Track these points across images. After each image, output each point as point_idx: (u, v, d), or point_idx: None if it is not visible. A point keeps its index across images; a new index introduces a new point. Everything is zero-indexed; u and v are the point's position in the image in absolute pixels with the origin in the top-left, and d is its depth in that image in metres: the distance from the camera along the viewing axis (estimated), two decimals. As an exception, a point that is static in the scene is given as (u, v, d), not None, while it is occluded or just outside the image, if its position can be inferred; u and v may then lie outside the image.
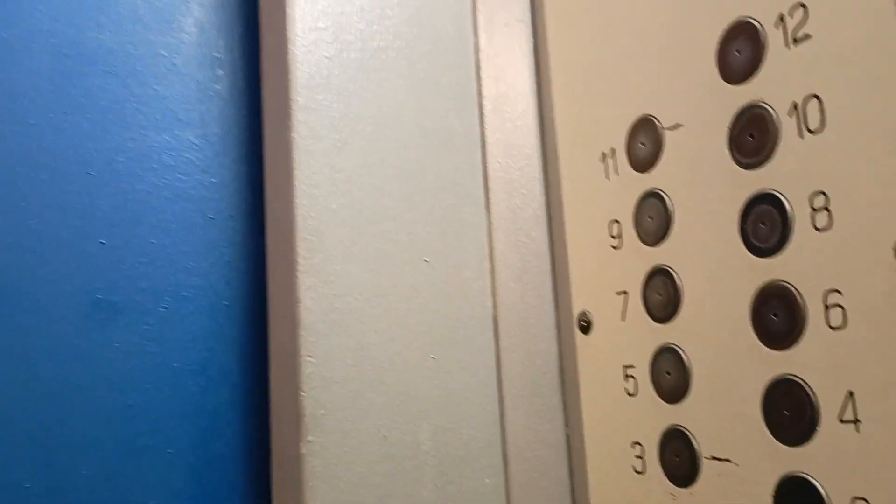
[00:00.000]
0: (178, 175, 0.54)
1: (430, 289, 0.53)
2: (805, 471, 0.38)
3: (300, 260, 0.48)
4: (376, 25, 0.54)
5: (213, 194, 0.55)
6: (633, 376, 0.49)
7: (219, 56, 0.57)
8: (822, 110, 0.37)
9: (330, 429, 0.47)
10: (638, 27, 0.49)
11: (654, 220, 0.47)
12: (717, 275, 0.43)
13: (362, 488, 0.48)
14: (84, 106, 0.51)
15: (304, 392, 0.47)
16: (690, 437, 0.44)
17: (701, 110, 0.44)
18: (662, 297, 0.46)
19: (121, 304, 0.50)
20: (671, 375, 0.46)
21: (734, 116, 0.42)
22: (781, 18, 0.39)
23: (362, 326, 0.50)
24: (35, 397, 0.46)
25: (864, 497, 0.35)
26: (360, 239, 0.50)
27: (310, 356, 0.48)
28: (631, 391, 0.49)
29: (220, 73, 0.57)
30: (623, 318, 0.49)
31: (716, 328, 0.43)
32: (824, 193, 0.37)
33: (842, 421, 0.36)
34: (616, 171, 0.50)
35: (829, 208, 0.37)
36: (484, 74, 0.58)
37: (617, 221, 0.50)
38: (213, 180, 0.55)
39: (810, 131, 0.38)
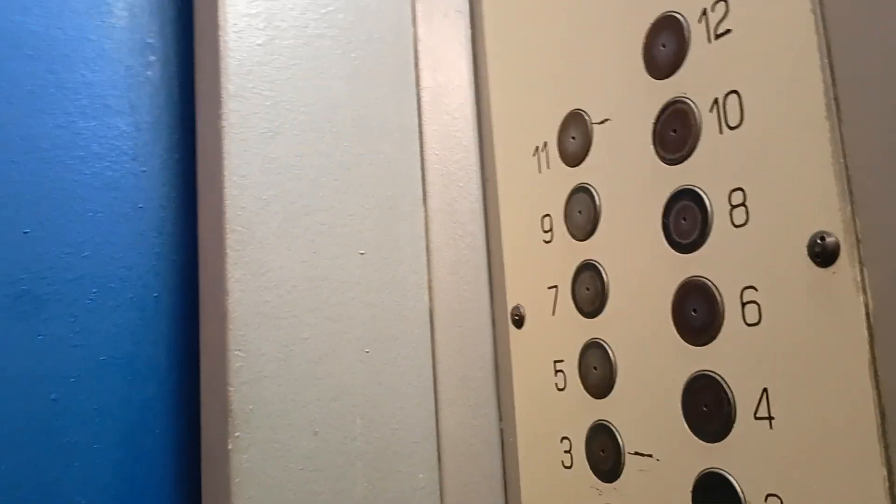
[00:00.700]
0: (107, 163, 0.53)
1: (364, 282, 0.52)
2: (722, 467, 0.38)
3: (230, 251, 0.47)
4: (311, 13, 0.53)
5: (143, 183, 0.54)
6: (562, 371, 0.48)
7: (150, 41, 0.56)
8: (741, 106, 0.37)
9: (259, 424, 0.46)
10: (569, 20, 0.49)
11: (583, 214, 0.47)
12: (641, 270, 0.43)
13: (292, 484, 0.47)
14: (7, 91, 0.50)
15: (232, 387, 0.46)
16: (615, 432, 0.44)
17: (627, 105, 0.44)
18: (590, 291, 0.46)
19: (45, 295, 0.49)
20: (598, 370, 0.46)
21: (658, 111, 0.42)
22: (704, 13, 0.39)
23: (294, 320, 0.49)
24: (-51, 391, 0.45)
25: (777, 493, 0.35)
26: (292, 230, 0.50)
27: (239, 350, 0.47)
28: (560, 386, 0.49)
29: (152, 58, 0.56)
30: (553, 312, 0.49)
31: (639, 323, 0.43)
32: (742, 190, 0.37)
33: (756, 417, 0.36)
34: (548, 165, 0.50)
35: (747, 205, 0.37)
36: (422, 65, 0.57)
37: (549, 215, 0.50)
38: (143, 169, 0.54)
39: (730, 127, 0.38)
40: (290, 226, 0.50)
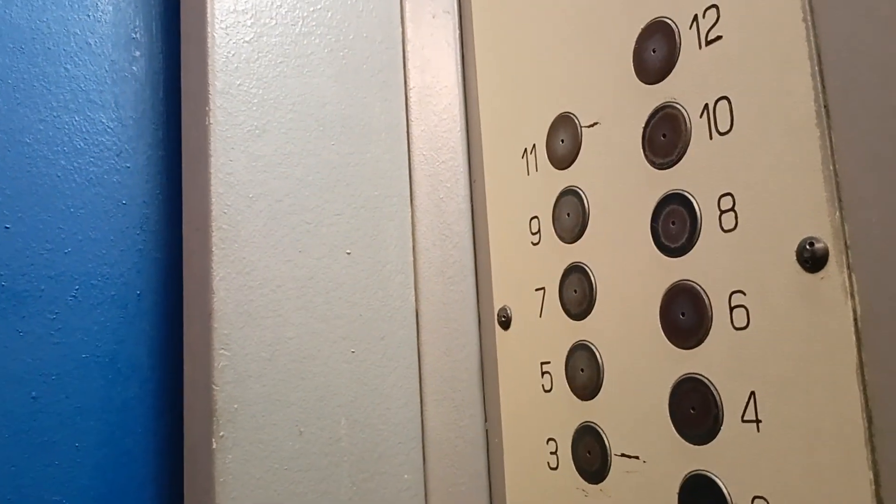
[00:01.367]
0: (90, 159, 0.52)
1: (351, 281, 0.52)
2: (709, 469, 0.38)
3: (215, 250, 0.47)
4: (299, 10, 0.53)
5: (127, 180, 0.53)
6: (549, 372, 0.49)
7: (135, 37, 0.55)
8: (731, 112, 0.38)
9: (243, 424, 0.46)
10: (559, 22, 0.49)
11: (571, 217, 0.47)
12: (629, 273, 0.43)
13: (276, 484, 0.47)
14: (-12, 84, 0.49)
15: (216, 386, 0.46)
16: (602, 433, 0.45)
17: (617, 109, 0.44)
18: (578, 294, 0.46)
19: (26, 292, 0.48)
20: (585, 372, 0.46)
21: (648, 116, 0.42)
22: (695, 19, 0.40)
23: (279, 319, 0.49)
24: (-74, 390, 0.44)
25: (764, 496, 0.36)
26: (278, 229, 0.49)
27: (224, 349, 0.46)
28: (547, 387, 0.49)
29: (137, 54, 0.55)
30: (541, 314, 0.49)
31: (627, 326, 0.43)
32: (731, 195, 0.37)
33: (744, 420, 0.37)
34: (536, 167, 0.50)
35: (736, 210, 0.37)
36: (410, 65, 0.57)
37: (536, 217, 0.50)
38: (127, 165, 0.53)
39: (720, 133, 0.38)
40: (276, 224, 0.49)
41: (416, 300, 0.55)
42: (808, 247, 0.34)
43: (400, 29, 0.58)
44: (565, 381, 0.47)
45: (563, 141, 0.48)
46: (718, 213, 0.38)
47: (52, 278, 0.49)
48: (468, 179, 0.57)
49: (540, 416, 0.49)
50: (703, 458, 0.39)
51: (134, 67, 0.55)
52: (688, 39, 0.40)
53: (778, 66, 0.36)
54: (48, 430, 0.47)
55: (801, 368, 0.34)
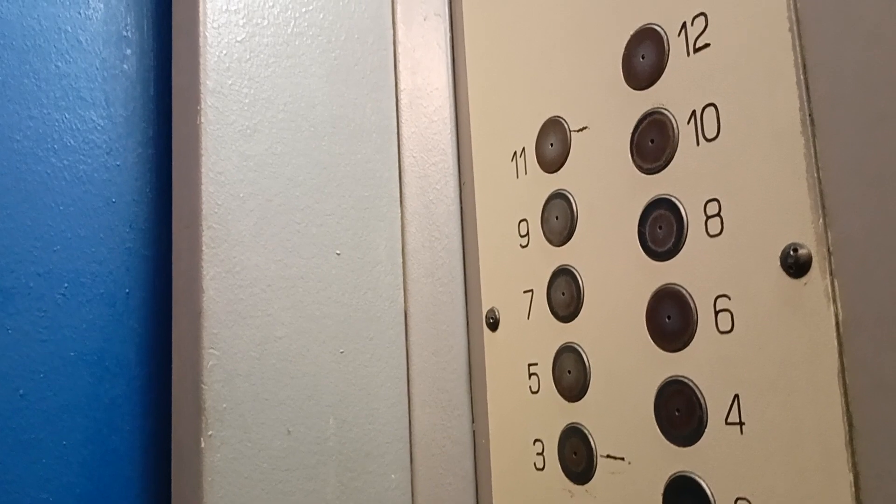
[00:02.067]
0: (80, 156, 0.52)
1: (340, 282, 0.52)
2: (693, 471, 0.39)
3: (205, 248, 0.47)
4: (291, 11, 0.53)
5: (116, 177, 0.53)
6: (536, 374, 0.49)
7: (126, 34, 0.55)
8: (718, 119, 0.38)
9: (231, 423, 0.46)
10: (550, 27, 0.49)
11: (559, 220, 0.48)
12: (617, 276, 0.44)
13: (264, 483, 0.47)
14: (-23, 80, 0.49)
15: (205, 385, 0.46)
16: (588, 434, 0.45)
17: (606, 114, 0.45)
18: (566, 296, 0.47)
19: (14, 289, 0.48)
20: (572, 374, 0.46)
21: (637, 121, 0.43)
22: (684, 26, 0.40)
23: (268, 318, 0.49)
24: (-89, 387, 0.44)
25: (747, 497, 0.36)
26: (268, 229, 0.49)
27: (212, 348, 0.46)
28: (534, 389, 0.49)
29: (128, 51, 0.55)
30: (529, 316, 0.50)
31: (614, 329, 0.44)
32: (718, 201, 0.38)
33: (728, 423, 0.37)
34: (526, 170, 0.51)
35: (722, 215, 0.38)
36: (401, 67, 0.57)
37: (525, 220, 0.50)
38: (117, 163, 0.53)
39: (707, 139, 0.39)
40: (266, 224, 0.49)
41: (405, 301, 0.55)
42: (791, 252, 0.34)
43: (391, 31, 0.58)
44: (552, 382, 0.48)
45: (552, 144, 0.49)
46: (704, 218, 0.39)
47: (41, 275, 0.49)
48: (458, 181, 0.58)
49: (527, 417, 0.50)
50: (687, 460, 0.39)
51: (125, 65, 0.55)
52: (676, 46, 0.41)
53: (764, 74, 0.36)
54: (35, 427, 0.47)
55: (784, 372, 0.35)
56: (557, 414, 0.47)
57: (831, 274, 0.33)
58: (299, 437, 0.49)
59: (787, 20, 0.35)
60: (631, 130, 0.43)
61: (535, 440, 0.49)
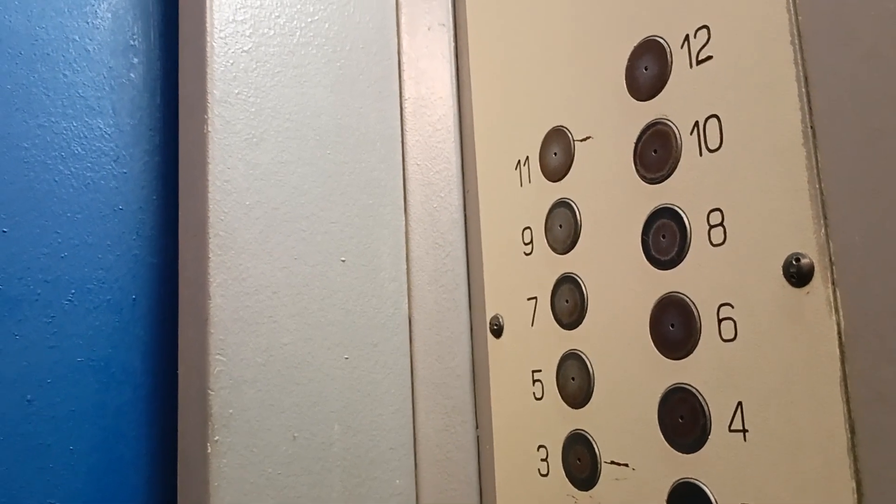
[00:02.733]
0: (87, 164, 0.52)
1: (345, 289, 0.53)
2: (697, 477, 0.39)
3: (212, 256, 0.48)
4: (297, 21, 0.54)
5: (123, 185, 0.53)
6: (540, 380, 0.49)
7: (134, 44, 0.56)
8: (720, 130, 0.39)
9: (238, 429, 0.47)
10: (554, 38, 0.50)
11: (563, 228, 0.48)
12: (620, 284, 0.44)
13: (270, 489, 0.47)
14: (-14, 89, 0.49)
15: (212, 391, 0.46)
16: (592, 441, 0.46)
17: (609, 124, 0.45)
18: (570, 304, 0.47)
19: (21, 296, 0.48)
20: (575, 381, 0.47)
21: (640, 131, 0.43)
22: (687, 39, 0.41)
23: (274, 325, 0.49)
24: (-78, 393, 0.44)
25: (750, 503, 0.37)
26: (274, 236, 0.50)
27: (219, 354, 0.47)
28: (538, 395, 0.50)
29: (135, 61, 0.55)
30: (532, 323, 0.50)
31: (617, 336, 0.44)
32: (720, 210, 0.39)
33: (731, 430, 0.38)
34: (529, 179, 0.51)
35: (725, 225, 0.38)
36: (405, 76, 0.58)
37: (529, 228, 0.51)
38: (124, 171, 0.54)
39: (710, 150, 0.39)
40: (272, 232, 0.50)
41: (410, 308, 0.55)
42: (794, 262, 0.35)
43: (395, 40, 0.59)
44: (556, 389, 0.48)
45: (555, 154, 0.49)
46: (707, 227, 0.39)
47: (49, 282, 0.49)
48: (462, 189, 0.58)
49: (531, 423, 0.50)
50: (691, 467, 0.40)
51: (132, 74, 0.55)
52: (679, 58, 0.41)
53: (766, 86, 0.37)
54: (42, 433, 0.48)
55: (787, 379, 0.35)
56: (561, 420, 0.48)
57: (833, 283, 0.34)
58: (305, 442, 0.49)
59: (788, 34, 0.36)
60: (634, 140, 0.43)
61: (539, 446, 0.49)
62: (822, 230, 0.34)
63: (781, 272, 0.36)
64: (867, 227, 0.33)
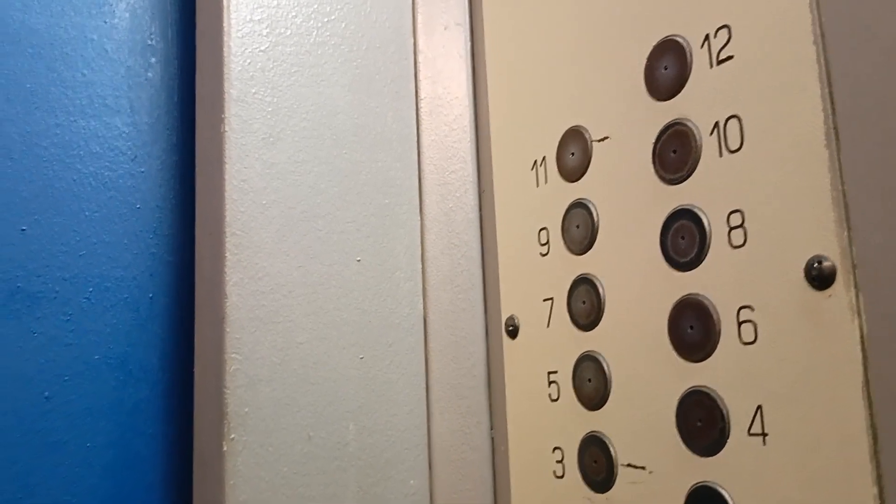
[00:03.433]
0: (105, 163, 0.52)
1: (360, 288, 0.52)
2: (715, 481, 0.39)
3: (228, 255, 0.48)
4: (313, 21, 0.54)
5: (141, 184, 0.54)
6: (556, 382, 0.49)
7: (151, 43, 0.56)
8: (741, 131, 0.38)
9: (253, 427, 0.47)
10: (571, 37, 0.50)
11: (580, 229, 0.48)
12: (638, 286, 0.44)
13: (285, 488, 0.47)
14: (6, 88, 0.49)
15: (228, 389, 0.46)
16: (608, 443, 0.45)
17: (628, 124, 0.45)
18: (586, 305, 0.47)
19: (40, 293, 0.48)
20: (592, 382, 0.46)
21: (659, 132, 0.43)
22: (707, 38, 0.40)
23: (290, 324, 0.49)
24: (-57, 389, 0.45)
25: (768, 507, 0.37)
26: (290, 236, 0.50)
27: (235, 353, 0.47)
28: (554, 396, 0.49)
29: (153, 60, 0.56)
30: (548, 324, 0.50)
31: (635, 338, 0.44)
32: (741, 212, 0.38)
33: (750, 434, 0.37)
34: (546, 179, 0.51)
35: (745, 226, 0.38)
36: (421, 76, 0.58)
37: (545, 229, 0.51)
38: (142, 170, 0.54)
39: (730, 151, 0.39)
40: (288, 231, 0.50)
41: (425, 308, 0.55)
42: (815, 265, 0.34)
43: (412, 40, 0.59)
44: (572, 390, 0.48)
45: (573, 154, 0.49)
46: (727, 229, 0.39)
47: (67, 280, 0.50)
48: (477, 189, 0.58)
49: (546, 424, 0.50)
50: (709, 470, 0.39)
51: (149, 73, 0.55)
52: (699, 58, 0.41)
53: (788, 87, 0.36)
54: (59, 430, 0.48)
55: (808, 383, 0.35)
56: (577, 422, 0.47)
57: (856, 287, 0.33)
58: (320, 442, 0.49)
59: (811, 33, 0.36)
60: (653, 141, 0.43)
61: (555, 448, 0.49)
62: (845, 232, 0.34)
63: (803, 275, 0.35)
64: (891, 230, 0.32)
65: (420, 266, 0.56)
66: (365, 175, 0.54)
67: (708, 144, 0.40)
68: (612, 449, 0.45)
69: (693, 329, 0.40)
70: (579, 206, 0.48)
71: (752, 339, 0.37)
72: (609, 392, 0.45)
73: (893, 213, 0.32)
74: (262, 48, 0.51)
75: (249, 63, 0.50)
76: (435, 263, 0.56)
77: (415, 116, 0.57)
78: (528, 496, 0.51)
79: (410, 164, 0.57)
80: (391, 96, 0.56)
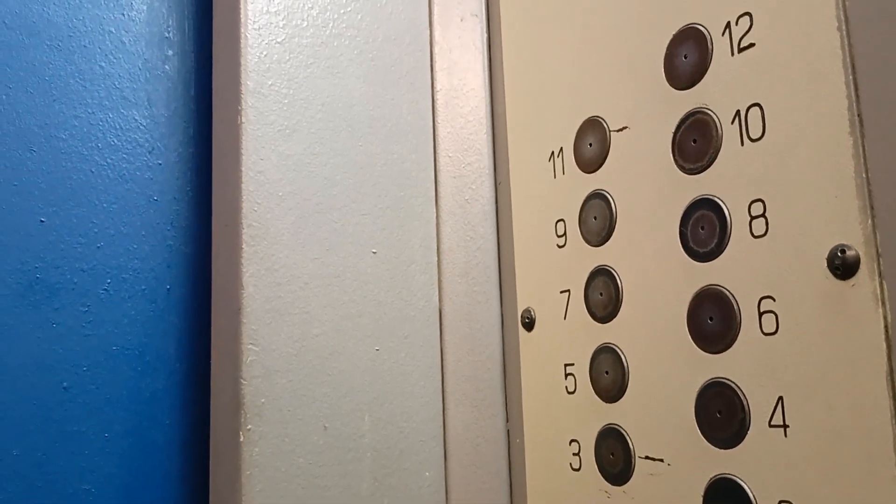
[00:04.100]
0: (123, 155, 0.53)
1: (376, 280, 0.52)
2: (734, 473, 0.39)
3: (245, 247, 0.48)
4: (329, 12, 0.54)
5: (158, 176, 0.54)
6: (573, 374, 0.49)
7: (168, 36, 0.56)
8: (763, 119, 0.38)
9: (270, 418, 0.47)
10: (588, 27, 0.49)
11: (598, 220, 0.48)
12: (657, 277, 0.43)
13: (301, 478, 0.47)
14: (25, 80, 0.50)
15: (244, 380, 0.47)
16: (626, 436, 0.45)
17: (647, 114, 0.45)
18: (604, 296, 0.47)
19: (58, 284, 0.49)
20: (609, 375, 0.46)
21: (679, 121, 0.42)
22: (728, 26, 0.40)
23: (306, 316, 0.49)
24: (-38, 378, 0.45)
25: (790, 500, 0.36)
26: (306, 227, 0.50)
27: (252, 344, 0.47)
28: (570, 389, 0.49)
29: (170, 52, 0.56)
30: (565, 316, 0.50)
31: (653, 329, 0.43)
32: (762, 201, 0.38)
33: (771, 425, 0.37)
34: (563, 170, 0.51)
35: (767, 216, 0.38)
36: (437, 67, 0.58)
37: (563, 220, 0.50)
38: (159, 162, 0.54)
39: (751, 139, 0.38)
40: (305, 223, 0.50)
41: (440, 300, 0.55)
42: (839, 254, 0.34)
43: (428, 31, 0.58)
44: (589, 383, 0.48)
45: (591, 144, 0.49)
46: (749, 218, 0.38)
47: (85, 271, 0.50)
48: (493, 181, 0.58)
49: (563, 417, 0.50)
50: (728, 462, 0.39)
51: (166, 66, 0.56)
52: (720, 46, 0.40)
53: (811, 74, 0.36)
54: (78, 419, 0.48)
55: (830, 374, 0.34)
56: (594, 414, 0.47)
57: (880, 276, 0.33)
58: (335, 433, 0.49)
59: (835, 19, 0.35)
60: (673, 130, 0.43)
61: (571, 440, 0.49)
62: (869, 221, 0.33)
63: (826, 264, 0.35)
64: (916, 218, 0.32)
65: (436, 258, 0.56)
66: (381, 167, 0.54)
67: (729, 133, 0.40)
68: (629, 441, 0.45)
69: (713, 320, 0.40)
70: (597, 196, 0.48)
71: (773, 329, 0.37)
72: (626, 384, 0.45)
73: (919, 201, 0.32)
74: (279, 40, 0.51)
75: (266, 55, 0.50)
76: (450, 255, 0.56)
77: (430, 108, 0.57)
78: (545, 489, 0.51)
79: (426, 156, 0.57)
80: (407, 88, 0.56)
